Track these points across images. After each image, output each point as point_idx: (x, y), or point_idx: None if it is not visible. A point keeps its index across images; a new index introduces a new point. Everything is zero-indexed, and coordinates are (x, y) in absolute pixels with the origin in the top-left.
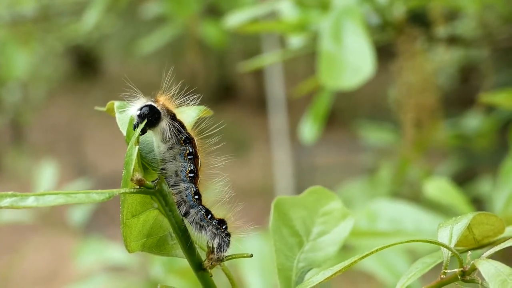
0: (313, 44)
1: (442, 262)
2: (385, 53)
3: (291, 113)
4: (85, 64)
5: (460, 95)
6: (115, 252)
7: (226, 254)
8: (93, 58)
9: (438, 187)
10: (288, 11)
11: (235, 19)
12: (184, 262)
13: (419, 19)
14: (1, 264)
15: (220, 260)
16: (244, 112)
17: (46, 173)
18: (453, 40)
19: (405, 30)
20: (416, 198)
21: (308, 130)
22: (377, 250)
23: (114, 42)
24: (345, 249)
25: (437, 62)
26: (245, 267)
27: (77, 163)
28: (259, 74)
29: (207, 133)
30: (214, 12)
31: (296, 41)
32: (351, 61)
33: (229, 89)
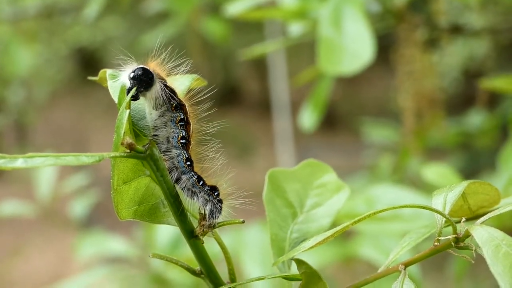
0: (313, 31)
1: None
2: (388, 58)
3: (295, 116)
4: (88, 66)
5: (465, 98)
6: (116, 244)
7: (218, 220)
8: (96, 61)
9: (437, 172)
10: None
11: (235, 7)
12: (183, 254)
13: (420, 8)
14: (2, 266)
15: (212, 226)
16: (248, 116)
17: (46, 169)
18: (455, 30)
19: (406, 18)
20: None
21: (308, 118)
22: (373, 213)
23: (118, 45)
24: (343, 234)
25: (441, 53)
26: (245, 258)
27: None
28: (263, 78)
29: (198, 98)
30: (216, 9)
31: (296, 28)
32: (351, 47)
33: (233, 93)
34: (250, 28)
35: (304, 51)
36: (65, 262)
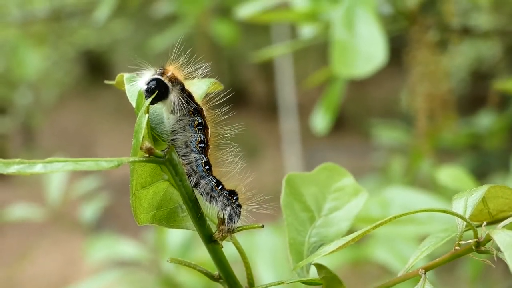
0: (325, 34)
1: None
2: (396, 60)
3: (302, 118)
4: (96, 69)
5: (471, 99)
6: (127, 247)
7: (237, 225)
8: (104, 63)
9: (451, 175)
10: (300, 1)
11: (245, 10)
12: (194, 257)
13: (431, 10)
14: (9, 269)
15: (230, 231)
16: (255, 118)
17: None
18: (466, 31)
19: (418, 20)
20: None
21: (320, 120)
22: (397, 217)
23: (125, 47)
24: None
25: (450, 55)
26: (257, 261)
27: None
28: (270, 80)
29: (216, 102)
30: (225, 12)
31: (307, 31)
32: (364, 49)
33: (240, 95)
34: (257, 30)
35: (311, 53)
36: (71, 266)
